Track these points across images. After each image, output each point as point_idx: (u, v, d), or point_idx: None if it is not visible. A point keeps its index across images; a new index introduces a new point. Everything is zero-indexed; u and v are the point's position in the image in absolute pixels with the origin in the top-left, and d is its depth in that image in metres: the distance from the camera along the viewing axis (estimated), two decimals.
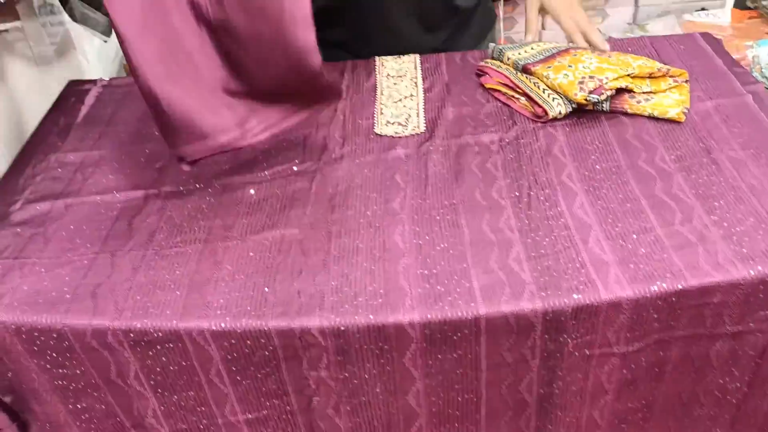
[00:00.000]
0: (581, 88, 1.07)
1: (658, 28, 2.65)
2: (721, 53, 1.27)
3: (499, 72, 1.19)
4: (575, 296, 0.81)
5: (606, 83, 1.07)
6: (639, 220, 0.90)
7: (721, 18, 2.66)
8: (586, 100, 1.07)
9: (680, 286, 0.81)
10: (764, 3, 2.54)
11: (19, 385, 0.89)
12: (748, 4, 2.73)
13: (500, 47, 1.21)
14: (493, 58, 1.23)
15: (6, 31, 1.11)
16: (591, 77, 1.08)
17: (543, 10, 1.31)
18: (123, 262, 0.91)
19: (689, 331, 0.86)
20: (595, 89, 1.06)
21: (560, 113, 1.09)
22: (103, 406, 0.90)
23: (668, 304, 0.82)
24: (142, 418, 0.90)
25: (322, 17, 1.38)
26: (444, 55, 1.31)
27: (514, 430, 0.93)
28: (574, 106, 1.09)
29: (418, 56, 1.31)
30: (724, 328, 0.86)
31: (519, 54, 1.18)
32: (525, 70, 1.15)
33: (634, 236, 0.87)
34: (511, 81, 1.16)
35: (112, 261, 0.92)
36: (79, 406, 0.90)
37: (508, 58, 1.18)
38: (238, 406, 0.89)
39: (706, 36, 1.34)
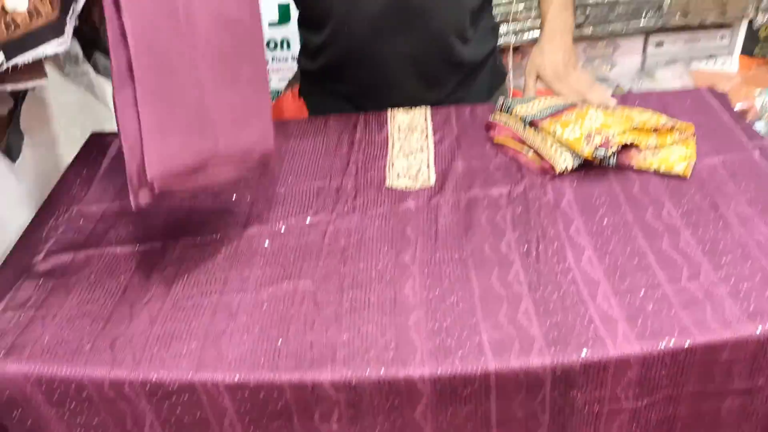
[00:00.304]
0: (588, 143, 1.09)
1: (666, 76, 2.68)
2: (727, 107, 1.29)
3: (506, 127, 1.22)
4: (584, 352, 0.82)
5: (612, 138, 1.09)
6: (647, 276, 0.91)
7: (729, 66, 2.69)
8: (593, 156, 1.09)
9: (688, 344, 0.82)
10: None
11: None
12: (756, 52, 2.76)
13: (509, 101, 1.24)
14: (501, 111, 1.25)
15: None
16: (598, 132, 1.10)
17: (540, 78, 1.35)
18: (141, 313, 0.94)
19: (698, 387, 0.86)
20: (601, 144, 1.09)
21: (567, 168, 1.11)
22: None
23: (676, 361, 0.83)
24: None
25: (326, 73, 1.43)
26: (453, 108, 1.34)
27: None
28: (581, 161, 1.11)
29: (428, 108, 1.34)
30: (734, 385, 0.87)
31: (527, 109, 1.20)
32: (533, 125, 1.17)
33: (642, 292, 0.88)
34: (519, 136, 1.19)
35: (131, 312, 0.94)
36: None
37: (516, 113, 1.21)
38: None
39: (712, 90, 1.36)
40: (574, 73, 1.31)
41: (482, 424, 0.86)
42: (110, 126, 1.53)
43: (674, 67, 2.74)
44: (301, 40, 1.48)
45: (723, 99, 1.33)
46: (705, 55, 2.79)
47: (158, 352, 0.87)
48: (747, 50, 2.76)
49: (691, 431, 0.91)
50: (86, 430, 0.89)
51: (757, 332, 0.82)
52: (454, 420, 0.86)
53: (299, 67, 1.54)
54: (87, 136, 1.39)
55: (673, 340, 0.82)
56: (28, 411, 0.88)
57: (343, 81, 1.42)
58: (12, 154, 1.15)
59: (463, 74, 1.41)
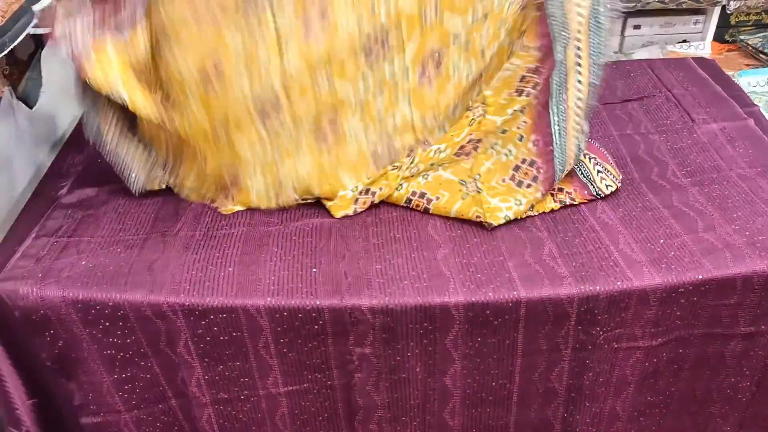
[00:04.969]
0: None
1: (643, 56, 2.76)
2: (717, 77, 1.36)
3: None
4: (610, 288, 0.87)
5: None
6: (663, 227, 0.96)
7: (702, 50, 2.78)
8: None
9: (708, 287, 0.88)
10: (741, 37, 2.67)
11: (68, 354, 0.90)
12: (727, 38, 2.86)
13: None
14: None
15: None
16: None
17: None
18: (174, 241, 0.95)
19: (707, 330, 0.93)
20: None
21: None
22: (148, 375, 0.92)
23: (690, 303, 0.89)
24: (186, 386, 0.92)
25: None
26: None
27: (542, 419, 0.98)
28: None
29: None
30: (739, 329, 0.93)
31: None
32: None
33: (662, 241, 0.93)
34: None
35: (164, 240, 0.96)
36: (124, 376, 0.92)
37: None
38: (281, 378, 0.92)
39: (699, 61, 1.43)
40: None
41: (508, 353, 0.91)
42: None
43: (650, 49, 2.81)
44: None
45: (712, 68, 1.40)
46: (679, 40, 2.87)
47: (196, 275, 0.89)
48: (719, 36, 2.86)
49: (697, 372, 0.97)
50: (118, 351, 0.91)
51: None
52: (482, 348, 0.90)
53: None
54: None
55: (695, 281, 0.88)
56: (60, 332, 0.89)
57: None
58: (29, 101, 1.14)
59: None
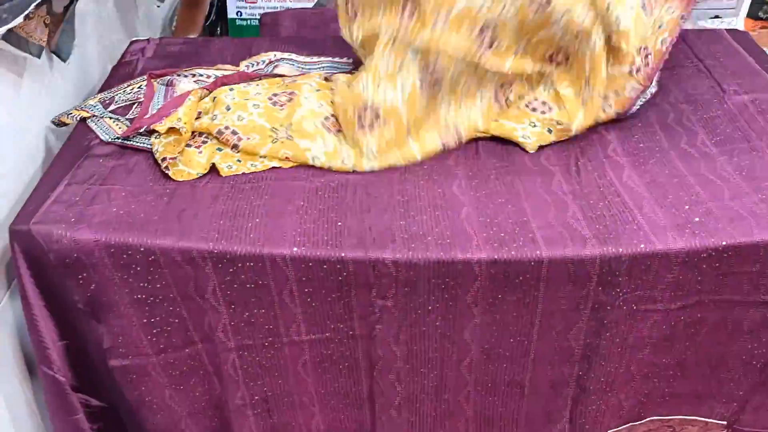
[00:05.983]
0: None
1: None
2: (751, 49, 1.34)
3: None
4: (632, 250, 0.87)
5: None
6: (689, 194, 0.96)
7: (734, 26, 2.74)
8: None
9: (730, 253, 0.88)
10: None
11: (100, 298, 0.93)
12: (761, 14, 2.81)
13: None
14: None
15: None
16: None
17: None
18: (203, 192, 0.97)
19: (727, 296, 0.93)
20: None
21: None
22: (176, 320, 0.95)
23: (712, 268, 0.90)
24: (212, 332, 0.95)
25: None
26: None
27: (557, 376, 1.00)
28: None
29: None
30: (759, 297, 0.94)
31: None
32: None
33: (687, 207, 0.94)
34: None
35: (192, 191, 0.97)
36: (153, 320, 0.95)
37: None
38: (304, 326, 0.95)
39: (733, 33, 1.41)
40: None
41: (528, 311, 0.92)
42: (144, 33, 1.55)
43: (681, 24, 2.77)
44: None
45: (746, 40, 1.38)
46: (711, 15, 2.83)
47: (224, 225, 0.91)
48: (752, 12, 2.81)
49: (714, 335, 0.98)
50: (148, 295, 0.93)
51: None
52: (502, 306, 0.92)
53: None
54: (122, 43, 1.41)
55: (718, 247, 0.88)
56: (93, 275, 0.91)
57: None
58: (62, 54, 1.15)
59: None
